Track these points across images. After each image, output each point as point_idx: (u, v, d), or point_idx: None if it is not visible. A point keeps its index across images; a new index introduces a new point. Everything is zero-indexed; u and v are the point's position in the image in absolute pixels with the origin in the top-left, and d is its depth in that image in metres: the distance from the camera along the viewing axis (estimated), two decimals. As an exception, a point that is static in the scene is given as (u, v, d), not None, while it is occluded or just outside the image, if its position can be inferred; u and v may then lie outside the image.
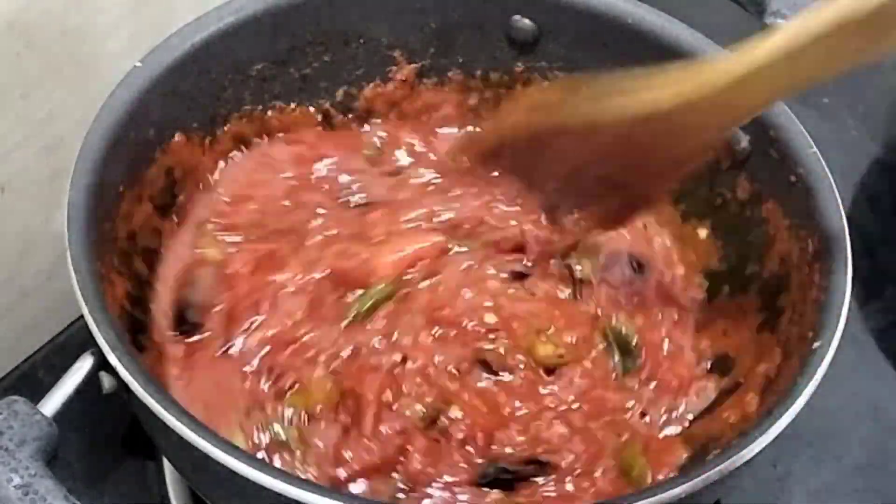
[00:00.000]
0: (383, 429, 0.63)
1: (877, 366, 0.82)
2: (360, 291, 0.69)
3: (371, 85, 0.77)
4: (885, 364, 0.82)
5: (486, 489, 0.63)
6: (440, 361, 0.67)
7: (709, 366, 0.69)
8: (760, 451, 0.56)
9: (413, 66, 0.77)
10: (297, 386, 0.65)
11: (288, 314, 0.68)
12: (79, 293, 0.58)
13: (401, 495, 0.62)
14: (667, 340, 0.70)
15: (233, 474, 0.53)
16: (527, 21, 0.76)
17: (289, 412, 0.64)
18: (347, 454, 0.62)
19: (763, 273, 0.69)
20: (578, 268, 0.72)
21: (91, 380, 0.58)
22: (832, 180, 0.66)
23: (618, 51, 0.74)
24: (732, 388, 0.66)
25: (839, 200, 0.65)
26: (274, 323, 0.67)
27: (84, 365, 0.58)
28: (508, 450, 0.64)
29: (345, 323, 0.68)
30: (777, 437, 0.56)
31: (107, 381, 0.58)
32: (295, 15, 0.73)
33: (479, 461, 0.64)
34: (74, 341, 0.77)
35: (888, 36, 0.54)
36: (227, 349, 0.67)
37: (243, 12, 0.71)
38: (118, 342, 0.57)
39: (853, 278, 0.62)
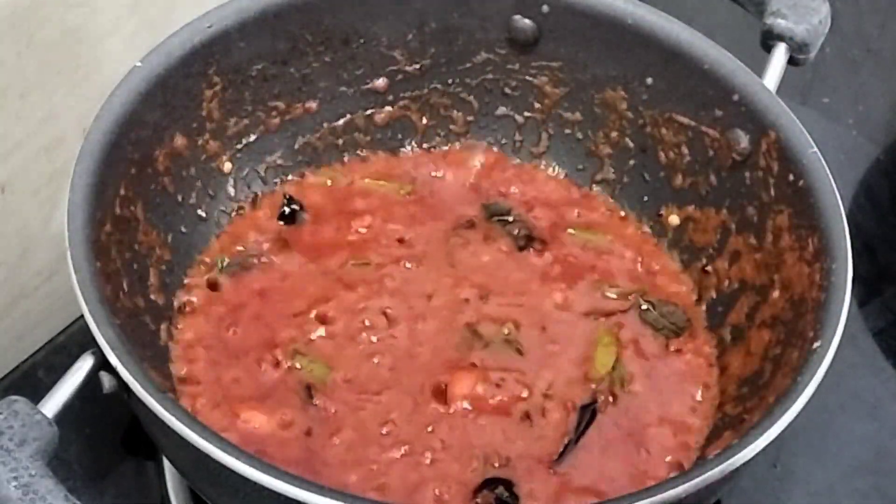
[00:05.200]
0: None
1: (877, 366, 0.82)
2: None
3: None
4: (885, 364, 0.82)
5: None
6: None
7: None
8: (760, 451, 0.56)
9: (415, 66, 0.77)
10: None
11: None
12: (79, 293, 0.58)
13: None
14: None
15: (233, 474, 0.53)
16: (527, 21, 0.76)
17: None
18: None
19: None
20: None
21: (91, 380, 0.58)
22: (832, 180, 0.66)
23: (618, 51, 0.74)
24: None
25: (839, 200, 0.65)
26: None
27: (84, 365, 0.57)
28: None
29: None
30: (777, 437, 0.56)
31: (107, 381, 0.58)
32: (295, 15, 0.73)
33: None
34: (74, 341, 0.77)
35: None
36: None
37: (243, 12, 0.71)
38: (118, 342, 0.57)
39: (853, 278, 0.62)
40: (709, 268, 0.73)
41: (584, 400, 0.67)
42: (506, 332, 0.70)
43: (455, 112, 0.80)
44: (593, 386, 0.68)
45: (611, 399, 0.67)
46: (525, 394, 0.67)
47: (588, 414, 0.67)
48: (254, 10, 0.71)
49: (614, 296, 0.73)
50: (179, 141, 0.70)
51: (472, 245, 0.75)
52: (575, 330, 0.71)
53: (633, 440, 0.66)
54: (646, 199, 0.77)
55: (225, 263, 0.72)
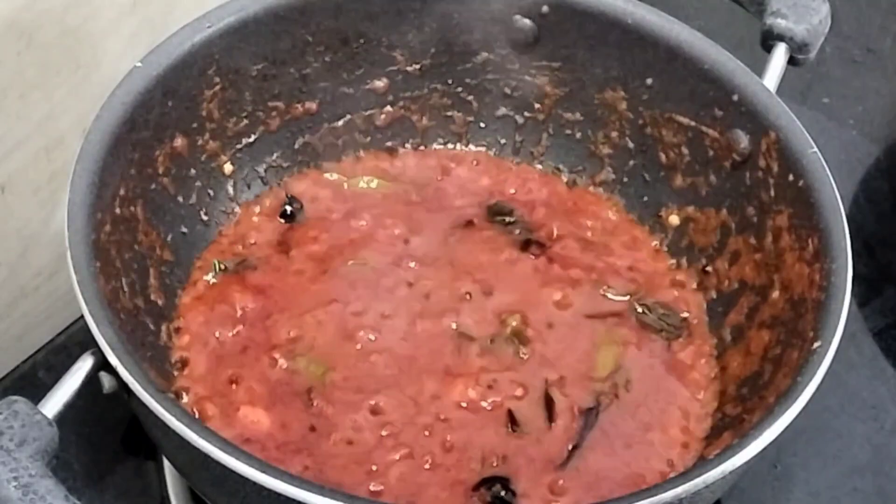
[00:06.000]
0: None
1: (877, 366, 0.82)
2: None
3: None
4: (885, 364, 0.82)
5: None
6: None
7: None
8: (760, 451, 0.56)
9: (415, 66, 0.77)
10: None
11: None
12: (79, 293, 0.58)
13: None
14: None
15: (233, 474, 0.53)
16: (527, 21, 0.76)
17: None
18: None
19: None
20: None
21: (91, 380, 0.58)
22: (832, 180, 0.66)
23: (618, 51, 0.74)
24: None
25: (839, 200, 0.65)
26: None
27: (84, 365, 0.57)
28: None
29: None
30: (777, 437, 0.56)
31: (107, 381, 0.58)
32: (295, 15, 0.73)
33: None
34: (74, 341, 0.77)
35: None
36: None
37: (243, 12, 0.71)
38: (118, 342, 0.57)
39: (853, 278, 0.62)
40: (709, 268, 0.73)
41: (587, 402, 0.67)
42: (506, 332, 0.70)
43: (455, 112, 0.80)
44: (596, 386, 0.68)
45: (613, 400, 0.67)
46: (522, 394, 0.67)
47: (592, 417, 0.67)
48: (254, 10, 0.71)
49: (614, 296, 0.73)
50: (179, 141, 0.70)
51: (471, 245, 0.75)
52: (575, 330, 0.71)
53: (633, 440, 0.66)
54: (646, 199, 0.77)
55: (225, 263, 0.72)
